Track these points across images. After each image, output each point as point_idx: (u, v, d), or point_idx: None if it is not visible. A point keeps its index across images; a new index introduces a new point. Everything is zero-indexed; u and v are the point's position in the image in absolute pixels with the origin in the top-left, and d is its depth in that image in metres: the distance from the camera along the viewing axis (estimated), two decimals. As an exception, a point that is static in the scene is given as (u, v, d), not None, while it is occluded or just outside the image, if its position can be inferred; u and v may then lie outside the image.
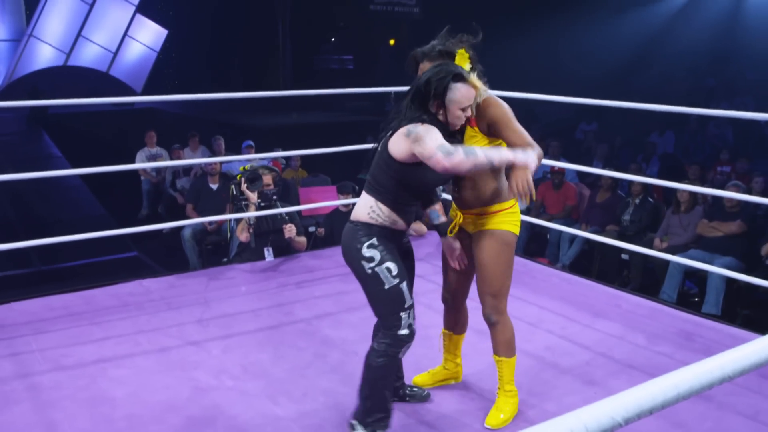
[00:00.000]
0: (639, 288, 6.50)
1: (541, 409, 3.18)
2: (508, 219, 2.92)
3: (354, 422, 2.83)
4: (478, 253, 2.93)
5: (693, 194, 6.77)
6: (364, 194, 2.81)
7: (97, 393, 3.25)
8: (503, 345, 3.03)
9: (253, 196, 5.30)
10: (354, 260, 2.75)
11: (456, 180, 2.94)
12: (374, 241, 2.71)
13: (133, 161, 9.47)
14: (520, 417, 3.09)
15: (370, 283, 2.72)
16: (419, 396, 3.20)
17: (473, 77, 2.71)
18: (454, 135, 2.74)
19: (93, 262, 7.80)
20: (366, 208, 2.75)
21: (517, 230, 2.96)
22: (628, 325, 4.11)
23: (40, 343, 3.75)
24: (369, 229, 2.73)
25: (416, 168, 2.65)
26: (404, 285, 2.72)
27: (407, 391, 3.19)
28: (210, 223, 7.21)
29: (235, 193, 5.49)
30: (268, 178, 5.44)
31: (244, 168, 5.60)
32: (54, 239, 4.36)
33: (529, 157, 2.54)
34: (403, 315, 2.71)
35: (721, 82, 14.63)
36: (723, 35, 14.54)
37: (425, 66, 2.84)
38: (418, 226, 5.60)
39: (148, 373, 3.45)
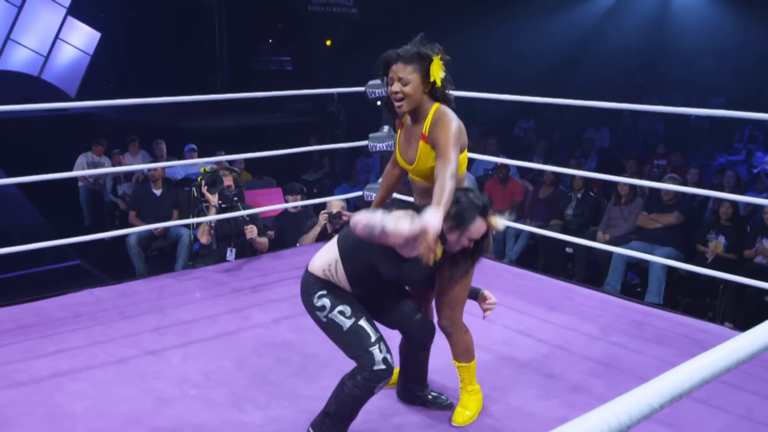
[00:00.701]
0: (584, 280, 6.67)
1: (504, 404, 3.24)
2: None
3: (311, 430, 2.83)
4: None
5: (633, 187, 6.99)
6: (330, 245, 2.80)
7: (56, 409, 3.17)
8: (462, 351, 3.06)
9: (214, 199, 5.29)
10: (310, 311, 2.79)
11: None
12: (323, 291, 2.74)
13: (69, 167, 9.23)
14: (484, 412, 3.15)
15: (329, 330, 2.75)
16: (441, 403, 3.17)
17: (493, 217, 2.74)
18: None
19: (34, 272, 7.59)
20: (324, 263, 2.76)
21: None
22: (581, 317, 4.22)
23: (-10, 358, 3.64)
24: (321, 283, 2.75)
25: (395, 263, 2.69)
26: (362, 321, 2.71)
27: (429, 397, 3.17)
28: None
29: (195, 195, 5.45)
30: (228, 180, 5.44)
31: (204, 170, 5.57)
32: (-2, 250, 4.22)
33: (431, 220, 2.46)
34: (374, 350, 2.66)
35: (651, 79, 15.13)
36: (651, 34, 15.02)
37: (399, 68, 2.77)
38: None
39: (107, 385, 3.38)
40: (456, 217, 2.61)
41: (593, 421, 1.04)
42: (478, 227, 2.65)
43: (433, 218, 2.45)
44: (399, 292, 2.95)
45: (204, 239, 5.29)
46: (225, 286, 4.73)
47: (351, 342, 2.70)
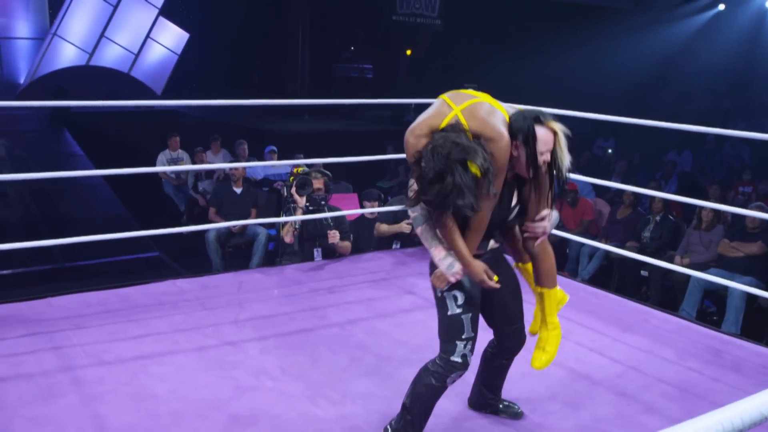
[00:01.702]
0: (658, 304, 6.54)
1: (575, 419, 3.23)
2: None
3: (388, 427, 2.89)
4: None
5: (716, 213, 6.82)
6: None
7: (140, 389, 3.32)
8: (545, 273, 2.93)
9: (301, 200, 5.40)
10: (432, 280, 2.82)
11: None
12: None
13: (153, 163, 9.57)
14: (557, 427, 3.15)
15: (438, 305, 2.79)
16: (513, 412, 3.20)
17: (551, 121, 2.68)
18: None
19: (115, 261, 7.89)
20: None
21: None
22: (656, 340, 4.16)
23: (80, 338, 3.82)
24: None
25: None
26: (467, 316, 2.74)
27: (500, 406, 3.20)
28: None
29: (285, 195, 5.60)
30: (319, 183, 5.52)
31: (296, 170, 5.68)
32: (82, 238, 4.40)
33: (454, 269, 2.67)
34: (459, 344, 2.72)
35: (739, 102, 14.70)
36: (742, 56, 14.61)
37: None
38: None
39: (188, 371, 3.52)
40: (517, 132, 2.61)
41: (708, 422, 1.08)
42: (543, 136, 2.62)
43: (453, 269, 2.68)
44: (512, 294, 2.95)
45: (288, 239, 5.41)
46: (302, 285, 4.84)
47: (446, 326, 2.76)
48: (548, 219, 2.76)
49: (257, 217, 7.43)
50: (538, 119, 2.64)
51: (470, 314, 2.75)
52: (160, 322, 4.08)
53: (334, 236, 5.35)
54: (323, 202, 5.48)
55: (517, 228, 2.90)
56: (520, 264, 3.01)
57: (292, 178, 5.54)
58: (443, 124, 2.57)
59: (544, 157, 2.63)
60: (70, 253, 7.73)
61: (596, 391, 3.53)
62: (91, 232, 4.46)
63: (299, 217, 5.35)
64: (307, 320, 4.23)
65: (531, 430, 3.12)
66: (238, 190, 7.83)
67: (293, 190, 5.43)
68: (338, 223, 5.51)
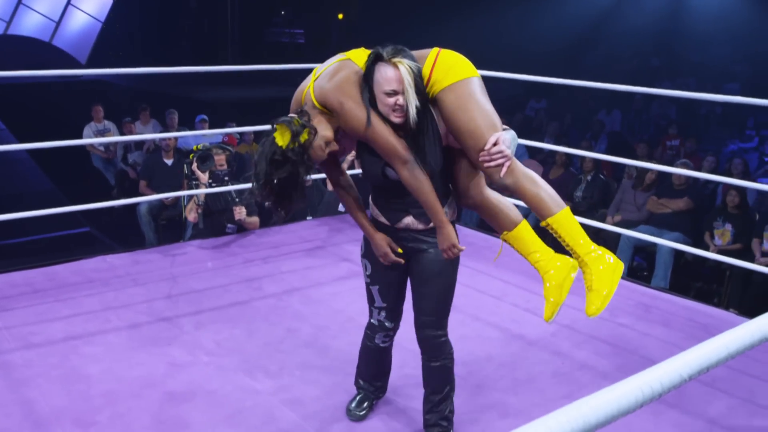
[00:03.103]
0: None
1: (512, 379, 3.29)
2: None
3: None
4: None
5: (657, 174, 6.93)
6: None
7: (71, 370, 3.23)
8: (542, 201, 2.40)
9: (204, 176, 5.26)
10: None
11: None
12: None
13: (79, 134, 9.25)
14: (492, 386, 3.20)
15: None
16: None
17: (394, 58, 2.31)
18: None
19: (44, 238, 7.66)
20: None
21: None
22: (588, 298, 4.25)
23: (6, 320, 3.69)
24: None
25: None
26: (375, 288, 2.71)
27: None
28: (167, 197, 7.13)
29: (187, 171, 5.45)
30: (220, 158, 5.39)
31: (196, 147, 5.54)
32: (7, 216, 4.24)
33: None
34: (374, 310, 2.76)
35: (665, 62, 15.02)
36: (667, 17, 14.91)
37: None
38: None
39: (121, 349, 3.44)
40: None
41: (629, 387, 1.09)
42: (384, 75, 2.28)
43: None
44: (426, 283, 2.63)
45: (191, 217, 5.26)
46: (237, 257, 4.77)
47: (366, 291, 2.78)
48: (501, 142, 2.29)
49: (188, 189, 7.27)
50: (380, 56, 2.30)
51: (377, 286, 2.70)
52: (91, 301, 3.97)
53: (240, 212, 5.15)
54: (226, 178, 5.33)
55: (471, 193, 2.51)
56: (506, 234, 2.53)
57: (191, 155, 5.41)
58: (302, 101, 2.47)
59: (393, 99, 2.28)
60: (-6, 231, 7.46)
61: (531, 351, 3.60)
62: (18, 209, 4.29)
63: (193, 192, 5.17)
64: (242, 292, 4.18)
65: (470, 391, 3.16)
66: (170, 162, 7.64)
67: (194, 166, 5.29)
68: (245, 197, 5.32)
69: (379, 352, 2.87)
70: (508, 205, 2.54)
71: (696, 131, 10.70)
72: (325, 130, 2.37)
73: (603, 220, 6.90)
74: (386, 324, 2.77)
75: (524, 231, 2.53)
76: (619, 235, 6.42)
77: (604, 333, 3.81)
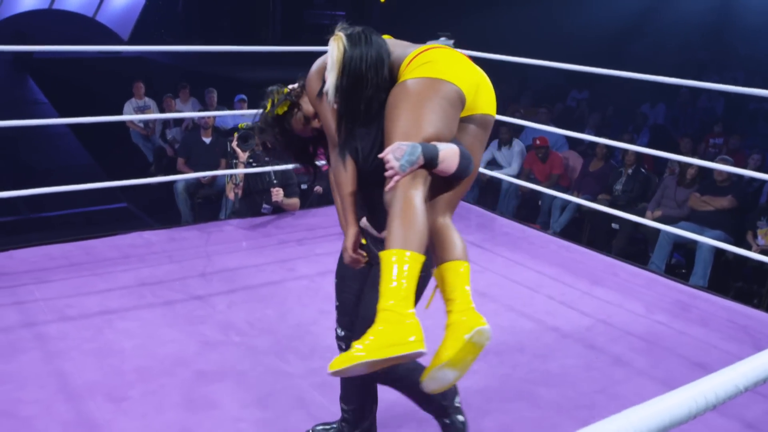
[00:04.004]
0: (626, 255, 6.59)
1: (545, 371, 3.24)
2: None
3: None
4: None
5: (699, 170, 6.78)
6: None
7: (105, 344, 3.26)
8: (401, 234, 1.91)
9: (243, 155, 5.25)
10: None
11: None
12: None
13: (120, 110, 9.34)
14: (525, 378, 3.15)
15: None
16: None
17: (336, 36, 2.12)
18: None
19: (81, 212, 7.77)
20: None
21: None
22: (625, 294, 4.18)
23: (43, 292, 3.74)
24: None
25: None
26: (335, 282, 2.59)
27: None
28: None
29: (229, 150, 5.45)
30: None
31: (241, 126, 5.54)
32: (47, 189, 4.30)
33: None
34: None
35: (713, 55, 14.66)
36: (717, 9, 14.52)
37: None
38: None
39: (154, 326, 3.46)
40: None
41: (682, 397, 1.04)
42: (331, 52, 2.08)
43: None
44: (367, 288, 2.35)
45: (231, 195, 5.29)
46: (271, 237, 4.78)
47: None
48: (392, 152, 1.91)
49: (227, 167, 7.30)
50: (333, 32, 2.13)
51: (336, 281, 2.58)
52: (126, 276, 4.01)
53: (277, 194, 5.11)
54: (267, 159, 5.24)
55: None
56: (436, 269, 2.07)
57: (235, 133, 5.40)
58: None
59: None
60: (34, 203, 7.58)
61: (565, 344, 3.55)
62: (57, 182, 4.35)
63: (233, 171, 5.17)
64: (275, 273, 4.18)
65: (500, 380, 3.12)
66: (207, 140, 7.68)
67: (234, 144, 5.28)
68: (285, 179, 5.26)
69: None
70: (456, 241, 2.06)
71: (742, 127, 10.44)
72: (306, 105, 2.32)
73: (642, 215, 6.77)
74: (337, 331, 2.56)
75: (452, 272, 2.01)
76: (658, 230, 6.30)
77: (639, 329, 3.73)
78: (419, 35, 5.35)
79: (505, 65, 5.35)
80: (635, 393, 3.12)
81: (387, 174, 1.91)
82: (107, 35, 15.40)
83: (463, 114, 2.08)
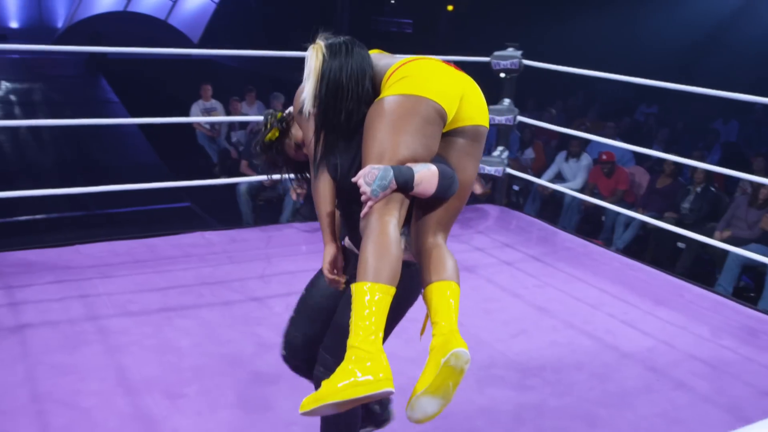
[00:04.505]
0: (691, 276, 6.40)
1: (602, 390, 3.16)
2: None
3: None
4: None
5: None
6: None
7: (164, 341, 3.31)
8: (371, 265, 1.86)
9: None
10: None
11: None
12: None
13: (187, 111, 9.54)
14: (581, 396, 3.08)
15: None
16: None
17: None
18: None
19: (146, 210, 7.94)
20: None
21: None
22: (690, 316, 4.04)
23: (107, 287, 3.83)
24: None
25: None
26: (303, 292, 2.53)
27: None
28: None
29: None
30: None
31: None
32: (114, 187, 4.42)
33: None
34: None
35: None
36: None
37: None
38: None
39: (212, 325, 3.50)
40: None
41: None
42: (309, 61, 2.03)
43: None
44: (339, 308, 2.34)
45: (294, 196, 5.32)
46: (330, 242, 4.78)
47: None
48: (363, 176, 1.85)
49: (289, 171, 7.37)
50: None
51: (304, 293, 2.51)
52: (187, 275, 4.07)
53: None
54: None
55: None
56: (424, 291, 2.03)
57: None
58: None
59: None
60: (101, 200, 7.78)
61: (625, 364, 3.45)
62: (124, 180, 4.46)
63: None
64: (333, 279, 4.18)
65: (556, 398, 3.05)
66: (271, 144, 7.75)
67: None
68: None
69: None
70: (446, 262, 1.99)
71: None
72: (297, 131, 2.26)
73: (710, 235, 6.56)
74: (282, 350, 2.46)
75: (437, 293, 1.96)
76: (726, 252, 6.09)
77: (704, 353, 3.61)
78: (487, 45, 5.34)
79: (572, 77, 5.27)
80: (698, 419, 3.01)
81: (361, 199, 1.86)
82: (178, 37, 15.79)
83: (448, 128, 1.98)
